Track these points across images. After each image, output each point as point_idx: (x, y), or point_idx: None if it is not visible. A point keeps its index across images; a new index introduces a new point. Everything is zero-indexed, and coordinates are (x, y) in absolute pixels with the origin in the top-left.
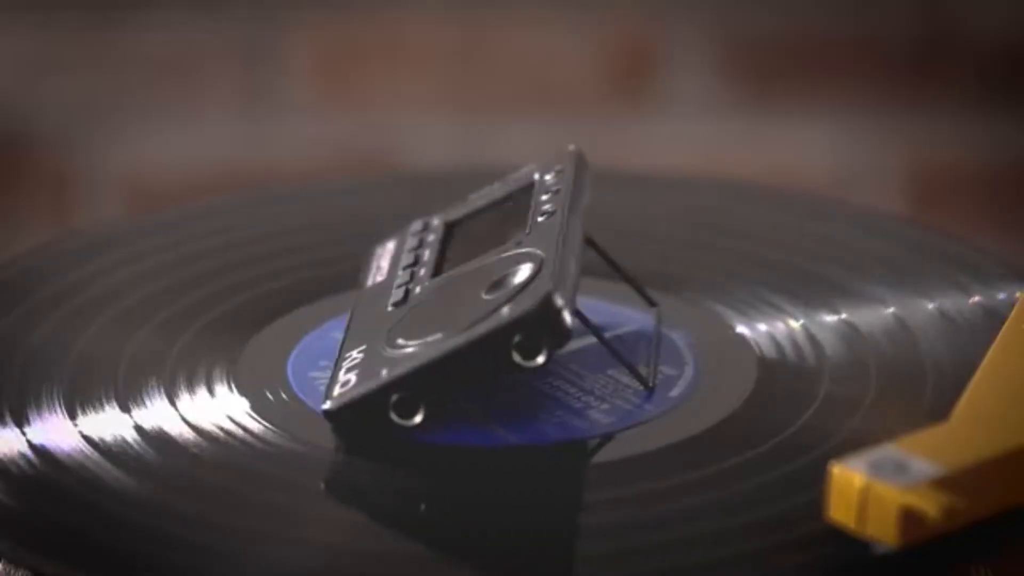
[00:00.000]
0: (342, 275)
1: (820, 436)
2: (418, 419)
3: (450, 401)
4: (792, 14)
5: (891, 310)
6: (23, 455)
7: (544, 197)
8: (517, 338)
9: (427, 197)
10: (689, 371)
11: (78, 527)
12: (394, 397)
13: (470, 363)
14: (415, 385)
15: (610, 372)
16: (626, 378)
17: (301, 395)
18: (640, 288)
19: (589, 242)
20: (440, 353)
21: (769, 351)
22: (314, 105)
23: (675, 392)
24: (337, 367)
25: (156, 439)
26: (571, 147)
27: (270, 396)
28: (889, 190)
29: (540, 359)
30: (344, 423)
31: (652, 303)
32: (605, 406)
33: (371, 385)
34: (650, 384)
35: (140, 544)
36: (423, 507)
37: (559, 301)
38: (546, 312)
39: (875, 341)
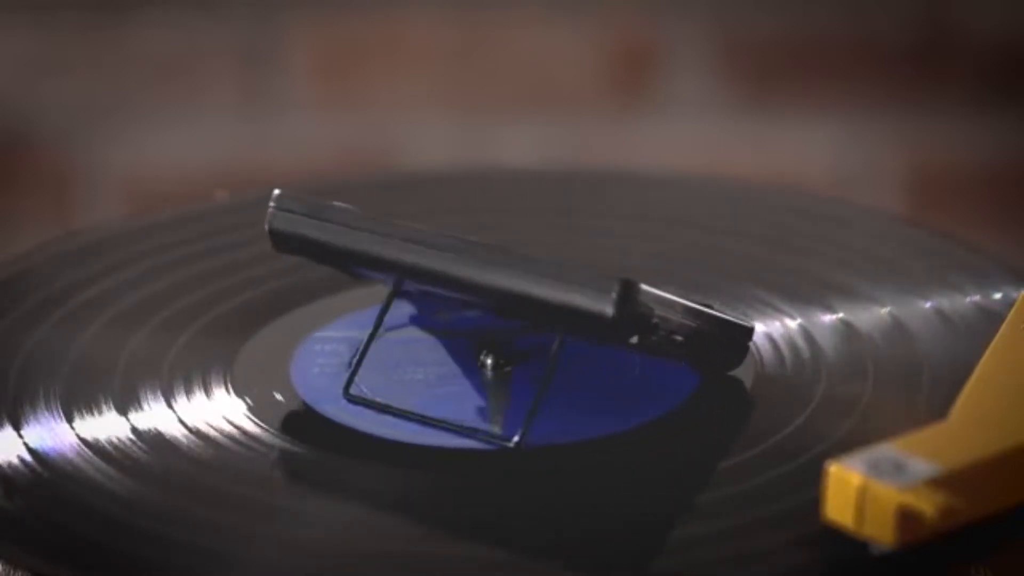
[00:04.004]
0: (340, 276)
1: (817, 436)
2: None
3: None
4: (792, 14)
5: (889, 310)
6: (20, 458)
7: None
8: None
9: (427, 197)
10: (687, 371)
11: (76, 529)
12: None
13: None
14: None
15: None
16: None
17: (299, 396)
18: (536, 405)
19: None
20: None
21: (766, 351)
22: (314, 105)
23: (673, 392)
24: None
25: (153, 441)
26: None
27: (268, 398)
28: (889, 190)
29: None
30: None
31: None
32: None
33: None
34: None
35: (138, 546)
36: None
37: None
38: None
39: (873, 341)
